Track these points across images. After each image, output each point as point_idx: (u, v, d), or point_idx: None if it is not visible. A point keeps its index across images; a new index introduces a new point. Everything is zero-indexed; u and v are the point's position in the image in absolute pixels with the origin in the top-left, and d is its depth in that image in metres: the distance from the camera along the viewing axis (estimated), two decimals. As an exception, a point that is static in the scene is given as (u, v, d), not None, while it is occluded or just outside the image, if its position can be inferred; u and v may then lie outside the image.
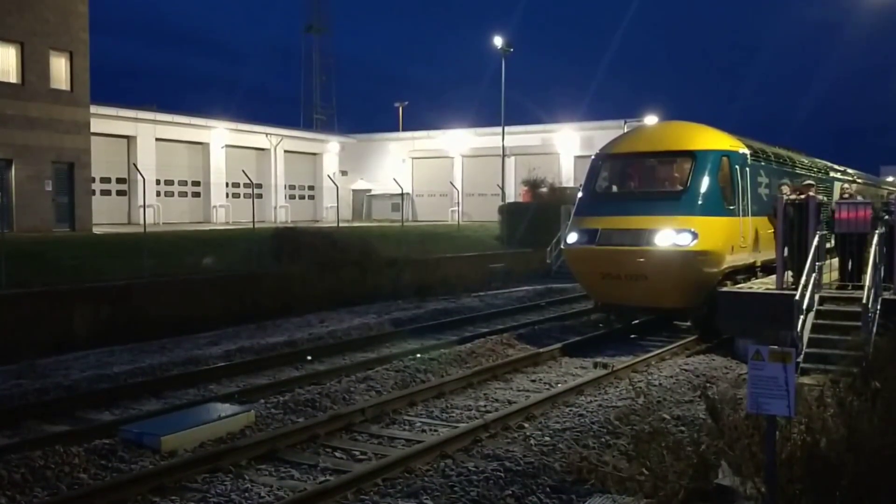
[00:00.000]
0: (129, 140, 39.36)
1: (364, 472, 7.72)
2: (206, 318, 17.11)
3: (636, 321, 16.75)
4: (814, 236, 12.88)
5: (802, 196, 14.02)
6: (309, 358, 13.75)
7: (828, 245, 14.21)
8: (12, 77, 27.94)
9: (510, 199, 40.40)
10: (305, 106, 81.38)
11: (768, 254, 15.39)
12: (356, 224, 40.30)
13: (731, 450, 6.05)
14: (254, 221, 24.96)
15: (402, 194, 36.29)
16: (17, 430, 9.67)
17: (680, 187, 14.72)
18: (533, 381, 12.36)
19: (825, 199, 14.74)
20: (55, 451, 8.01)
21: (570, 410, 10.30)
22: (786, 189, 14.95)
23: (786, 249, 14.13)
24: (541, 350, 14.11)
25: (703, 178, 14.52)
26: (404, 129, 60.80)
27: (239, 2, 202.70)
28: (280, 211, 46.55)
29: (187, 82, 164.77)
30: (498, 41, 40.96)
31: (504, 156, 43.19)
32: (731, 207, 14.94)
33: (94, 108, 31.94)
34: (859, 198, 15.82)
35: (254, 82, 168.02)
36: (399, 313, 19.21)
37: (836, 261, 14.57)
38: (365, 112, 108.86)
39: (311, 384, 11.78)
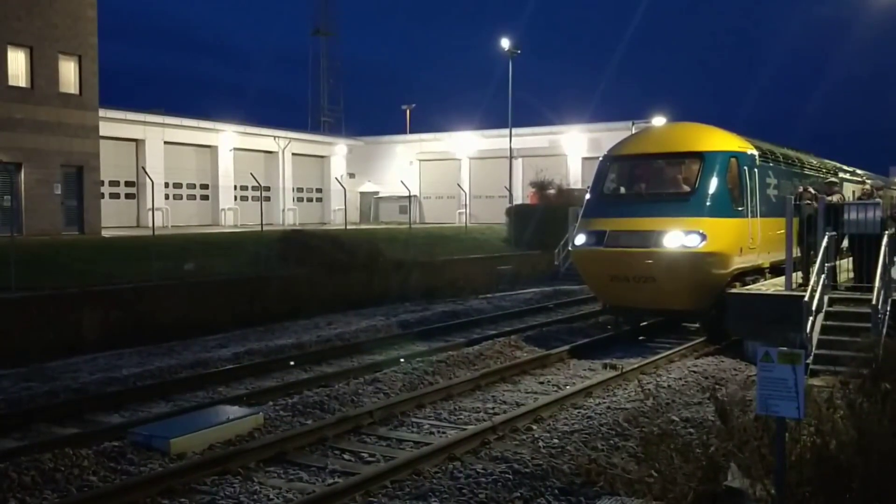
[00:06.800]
0: (138, 143, 39.53)
1: (372, 475, 7.72)
2: (214, 321, 17.14)
3: (644, 323, 16.71)
4: (823, 237, 12.83)
5: (829, 197, 14.04)
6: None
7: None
8: (21, 81, 28.10)
9: (518, 200, 40.36)
10: (313, 109, 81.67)
11: (777, 255, 15.33)
12: (364, 226, 40.37)
13: (741, 452, 6.03)
14: (262, 224, 25.07)
15: (409, 196, 36.32)
16: (27, 432, 9.72)
17: (688, 189, 14.68)
18: (541, 383, 12.34)
19: (836, 198, 14.64)
20: (65, 453, 8.03)
21: (579, 412, 10.28)
22: (811, 190, 14.96)
23: (797, 250, 14.13)
24: (549, 352, 14.09)
25: (712, 180, 14.48)
26: (412, 132, 60.85)
27: (246, 6, 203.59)
28: (288, 214, 46.69)
29: (195, 86, 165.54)
30: (505, 43, 40.97)
31: (511, 157, 43.18)
32: (740, 209, 14.90)
33: (102, 112, 32.12)
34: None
35: (261, 85, 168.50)
36: (407, 315, 19.22)
37: (846, 261, 14.54)
38: (372, 114, 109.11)
39: (319, 386, 11.79)
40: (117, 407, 10.90)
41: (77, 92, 29.82)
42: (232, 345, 15.37)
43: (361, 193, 55.09)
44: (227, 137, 44.72)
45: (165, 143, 40.85)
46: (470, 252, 28.47)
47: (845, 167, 25.26)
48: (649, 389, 11.00)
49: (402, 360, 13.62)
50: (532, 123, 50.94)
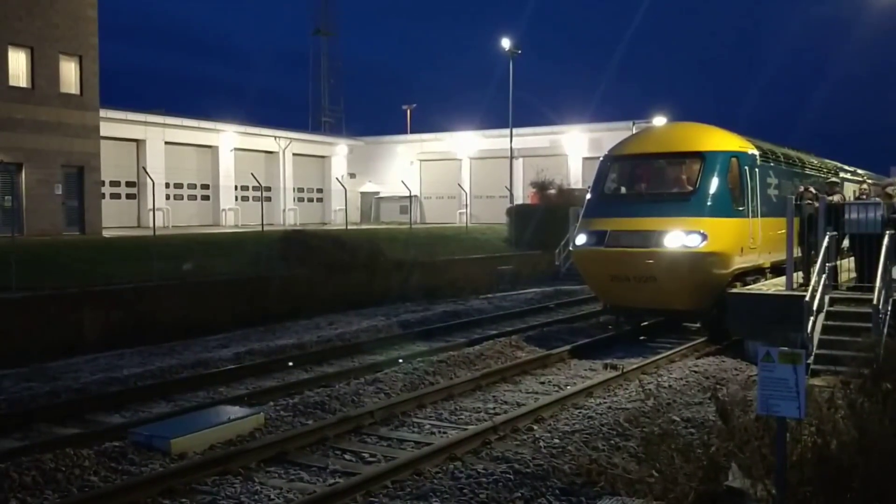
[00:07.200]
0: (139, 144, 39.53)
1: (373, 475, 7.73)
2: (214, 321, 17.15)
3: (645, 323, 16.71)
4: (823, 237, 12.83)
5: (831, 197, 14.06)
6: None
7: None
8: (22, 81, 28.12)
9: (518, 200, 40.35)
10: (314, 109, 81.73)
11: (778, 255, 15.33)
12: (364, 226, 40.37)
13: (742, 452, 6.03)
14: (262, 224, 25.08)
15: (410, 196, 36.34)
16: (28, 432, 9.72)
17: (689, 188, 14.68)
18: (542, 383, 12.34)
19: (837, 198, 14.65)
20: (66, 453, 8.04)
21: (580, 412, 10.27)
22: (812, 190, 15.00)
23: (798, 250, 14.13)
24: (550, 352, 14.09)
25: (713, 180, 14.48)
26: (412, 132, 60.85)
27: (247, 6, 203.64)
28: (289, 214, 46.68)
29: (196, 86, 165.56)
30: (506, 43, 40.96)
31: (512, 157, 43.18)
32: (741, 209, 14.90)
33: (103, 112, 32.14)
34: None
35: (262, 85, 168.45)
36: (407, 315, 19.22)
37: (846, 261, 14.53)
38: (373, 114, 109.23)
39: (320, 386, 11.79)
40: (118, 407, 10.90)
41: (78, 92, 29.83)
42: (233, 345, 15.38)
43: (362, 193, 55.09)
44: (228, 137, 44.72)
45: (166, 143, 40.84)
46: (470, 252, 28.46)
47: (846, 167, 25.25)
48: (650, 389, 10.99)
49: (402, 360, 13.61)
50: (533, 123, 50.95)
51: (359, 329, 17.15)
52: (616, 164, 15.91)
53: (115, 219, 35.00)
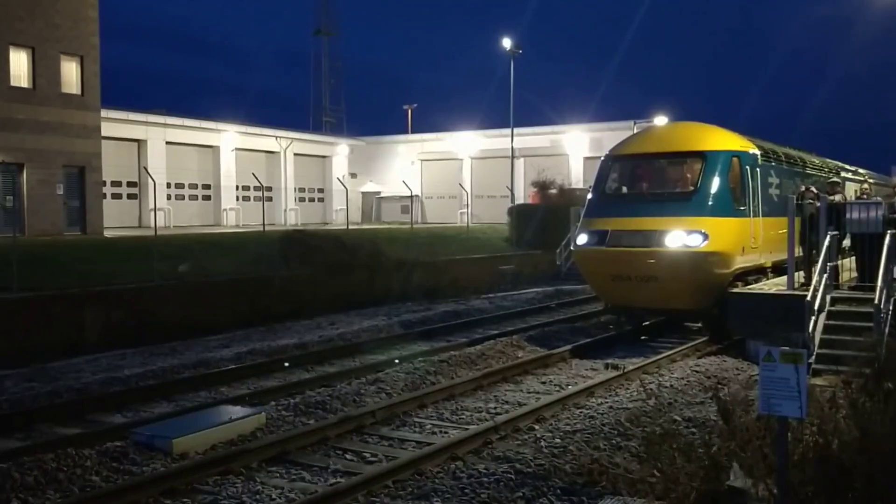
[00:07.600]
0: (140, 144, 39.56)
1: (375, 474, 7.73)
2: (216, 321, 17.14)
3: (646, 322, 16.71)
4: (825, 236, 12.83)
5: (832, 197, 14.06)
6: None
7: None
8: (23, 82, 28.15)
9: (519, 200, 40.33)
10: (315, 109, 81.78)
11: (779, 255, 15.32)
12: (365, 226, 40.36)
13: (743, 451, 6.03)
14: (263, 224, 25.06)
15: (411, 196, 36.33)
16: (30, 432, 9.73)
17: (690, 188, 14.68)
18: (543, 382, 12.34)
19: (838, 198, 14.65)
20: (67, 453, 8.06)
21: (581, 412, 10.27)
22: (813, 189, 15.02)
23: (799, 249, 14.13)
24: (551, 352, 14.09)
25: (714, 179, 14.48)
26: (413, 132, 60.87)
27: (248, 6, 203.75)
28: (290, 214, 46.69)
29: (197, 86, 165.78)
30: (507, 43, 40.94)
31: (513, 157, 43.17)
32: (742, 208, 14.90)
33: (104, 113, 32.17)
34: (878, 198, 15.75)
35: (263, 86, 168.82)
36: (408, 315, 19.22)
37: (847, 261, 14.53)
38: (374, 114, 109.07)
39: (321, 386, 11.80)
40: (119, 407, 10.90)
41: (79, 92, 29.86)
42: (234, 345, 15.38)
43: (363, 193, 55.09)
44: (229, 138, 44.74)
45: (167, 143, 40.86)
46: (472, 252, 28.44)
47: (847, 166, 25.23)
48: (651, 389, 11.00)
49: (402, 360, 13.60)
50: (534, 123, 50.92)
51: (360, 329, 17.15)
52: (617, 163, 15.90)
53: (116, 219, 35.02)
